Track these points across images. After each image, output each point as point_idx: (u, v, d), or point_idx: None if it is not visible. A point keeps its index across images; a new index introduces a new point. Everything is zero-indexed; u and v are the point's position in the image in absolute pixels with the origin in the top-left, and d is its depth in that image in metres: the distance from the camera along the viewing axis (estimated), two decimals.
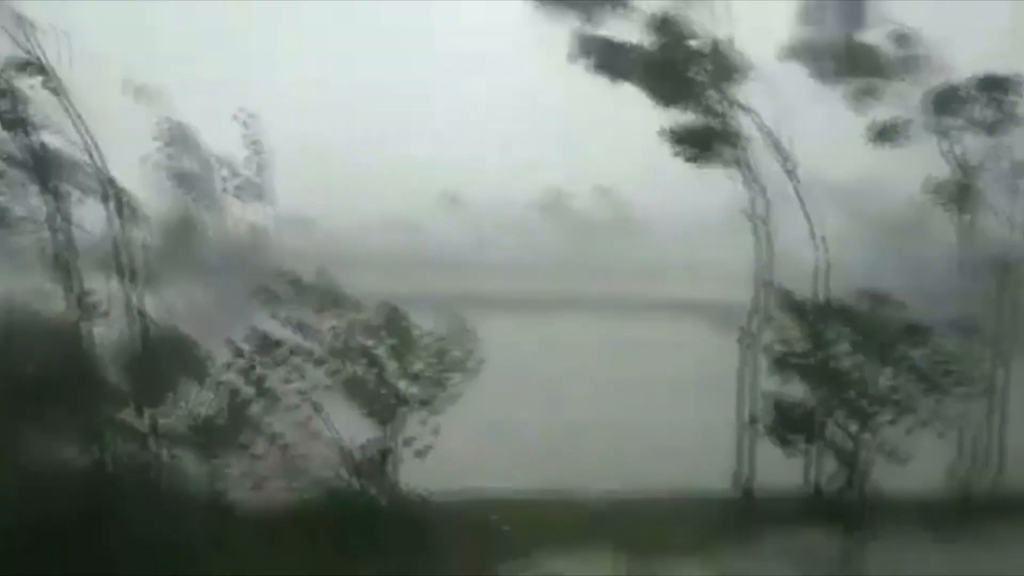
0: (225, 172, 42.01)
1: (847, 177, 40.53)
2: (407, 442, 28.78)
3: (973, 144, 32.94)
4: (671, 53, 31.56)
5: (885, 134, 32.84)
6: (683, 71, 31.82)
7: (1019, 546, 28.32)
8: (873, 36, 32.21)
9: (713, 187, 34.29)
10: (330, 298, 29.40)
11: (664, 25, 31.35)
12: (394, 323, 29.44)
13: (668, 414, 34.59)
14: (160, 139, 37.37)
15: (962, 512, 30.87)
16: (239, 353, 28.75)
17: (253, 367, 29.01)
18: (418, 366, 29.07)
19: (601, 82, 32.24)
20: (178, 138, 38.39)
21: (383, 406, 28.80)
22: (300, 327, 29.83)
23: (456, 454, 28.73)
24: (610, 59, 31.73)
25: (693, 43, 31.65)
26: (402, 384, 28.98)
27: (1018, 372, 32.66)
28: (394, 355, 29.02)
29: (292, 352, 28.77)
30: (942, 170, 33.51)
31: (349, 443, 28.64)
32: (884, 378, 30.04)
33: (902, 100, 32.63)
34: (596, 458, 31.30)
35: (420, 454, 28.00)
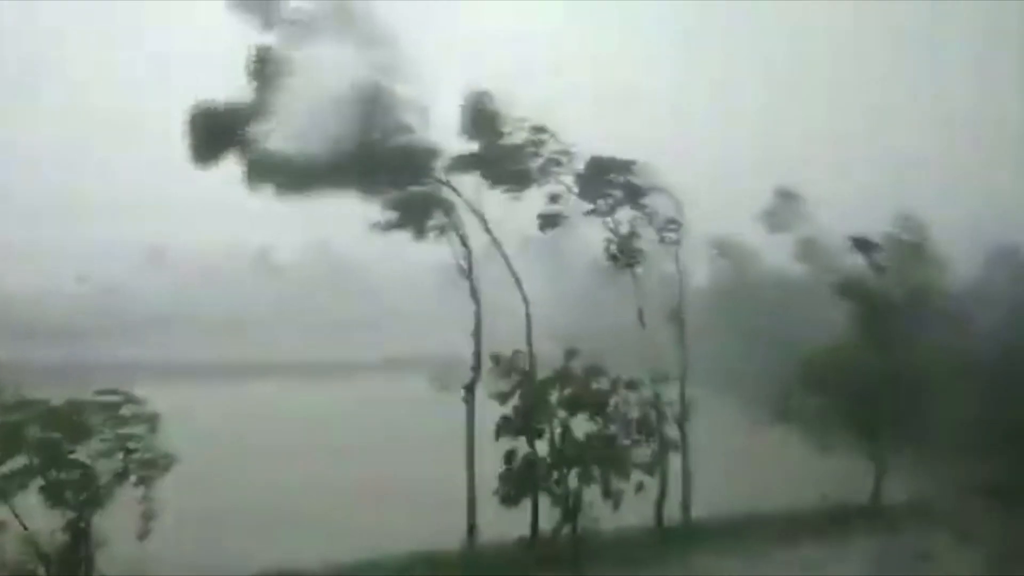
0: None
1: (541, 245, 43.69)
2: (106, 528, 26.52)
3: (627, 214, 36.71)
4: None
5: (548, 220, 35.98)
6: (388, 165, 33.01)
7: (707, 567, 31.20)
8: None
9: (424, 247, 35.59)
10: None
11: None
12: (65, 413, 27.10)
13: (396, 476, 34.46)
14: None
15: (660, 542, 33.58)
16: None
17: None
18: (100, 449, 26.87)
19: None
20: None
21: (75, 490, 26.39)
22: None
23: (165, 539, 26.58)
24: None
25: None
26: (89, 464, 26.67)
27: (702, 409, 36.00)
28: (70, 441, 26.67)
29: None
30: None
31: (40, 531, 25.84)
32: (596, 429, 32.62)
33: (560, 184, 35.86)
34: (324, 530, 30.19)
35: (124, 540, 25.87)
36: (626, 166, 35.83)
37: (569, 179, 35.67)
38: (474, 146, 34.18)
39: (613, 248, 36.51)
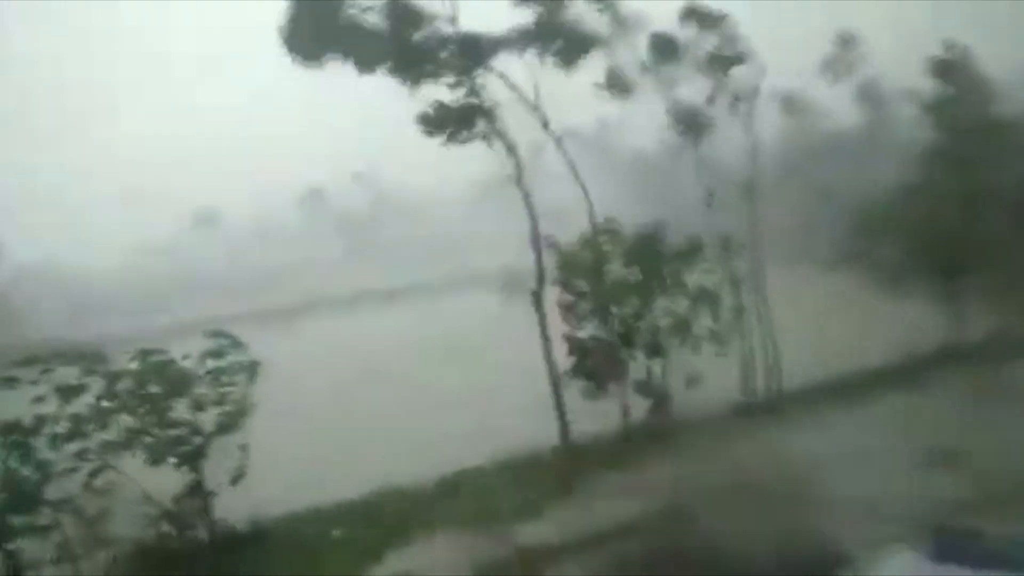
0: None
1: (590, 130, 42.51)
2: (220, 476, 27.16)
3: (696, 84, 34.80)
4: (414, 35, 31.73)
5: (613, 88, 34.37)
6: (430, 52, 31.96)
7: (797, 435, 30.46)
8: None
9: (468, 159, 35.00)
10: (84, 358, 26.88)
11: (399, 9, 31.42)
12: (158, 367, 27.11)
13: (481, 387, 34.74)
14: None
15: (746, 417, 33.09)
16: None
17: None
18: (202, 399, 27.12)
19: (348, 73, 32.05)
20: None
21: (179, 446, 26.89)
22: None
23: (276, 476, 27.45)
24: (357, 49, 31.24)
25: (434, 24, 31.97)
26: (192, 419, 27.07)
27: (774, 278, 35.49)
28: (172, 397, 26.87)
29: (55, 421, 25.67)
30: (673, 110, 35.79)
31: (154, 490, 26.39)
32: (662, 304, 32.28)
33: (620, 53, 34.11)
34: (421, 447, 30.72)
35: (235, 482, 26.68)
36: (716, 20, 33.50)
37: (637, 50, 33.84)
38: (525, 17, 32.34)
39: (682, 121, 34.82)
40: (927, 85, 39.13)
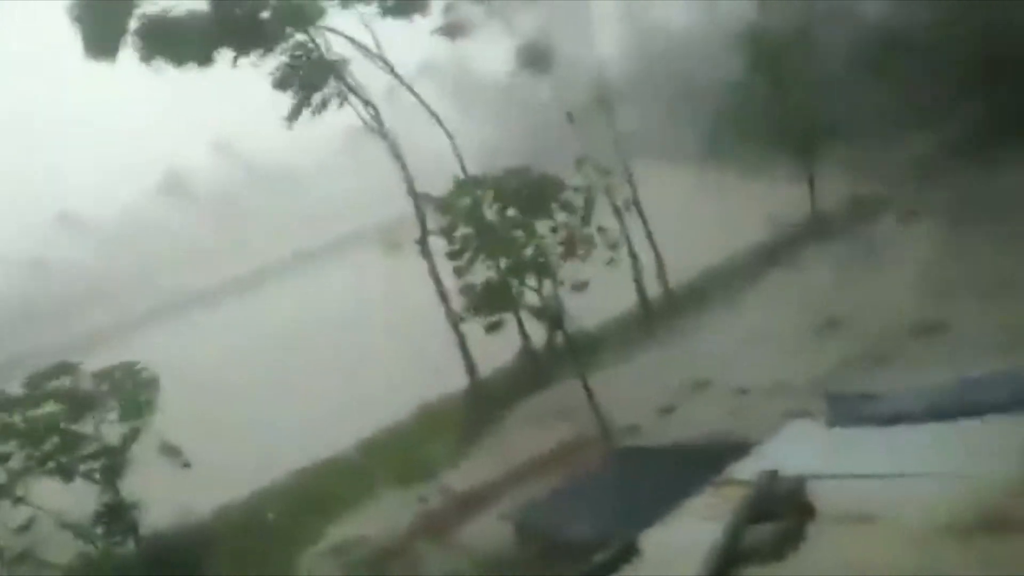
0: None
1: (442, 69, 42.44)
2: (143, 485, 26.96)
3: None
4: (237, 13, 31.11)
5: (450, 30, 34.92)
6: (255, 20, 31.36)
7: (692, 328, 32.11)
8: None
9: (328, 117, 34.60)
10: None
11: None
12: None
13: (385, 345, 34.95)
14: None
15: (645, 318, 34.85)
16: None
17: None
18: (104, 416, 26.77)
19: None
20: None
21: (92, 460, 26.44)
22: None
23: (198, 474, 27.28)
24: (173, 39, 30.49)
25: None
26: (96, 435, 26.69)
27: (644, 186, 36.66)
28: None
29: None
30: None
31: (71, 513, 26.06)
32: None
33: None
34: (338, 416, 30.90)
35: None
36: None
37: None
38: None
39: (525, 54, 35.86)
40: None
